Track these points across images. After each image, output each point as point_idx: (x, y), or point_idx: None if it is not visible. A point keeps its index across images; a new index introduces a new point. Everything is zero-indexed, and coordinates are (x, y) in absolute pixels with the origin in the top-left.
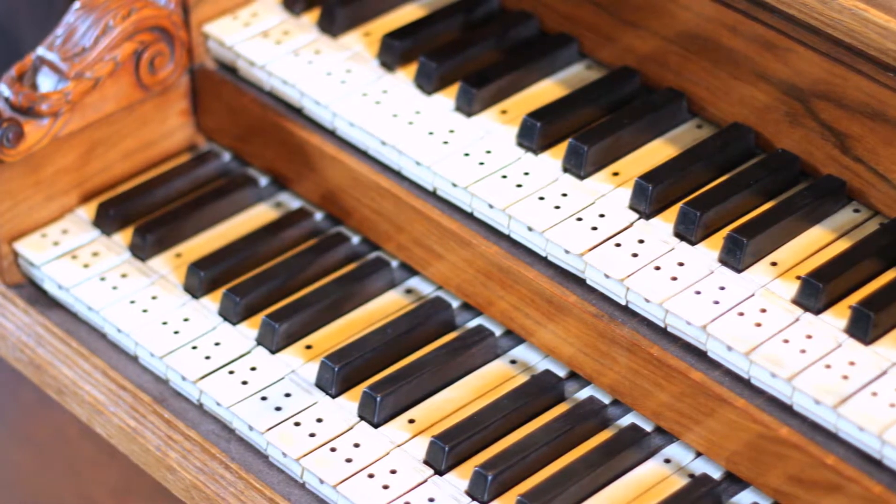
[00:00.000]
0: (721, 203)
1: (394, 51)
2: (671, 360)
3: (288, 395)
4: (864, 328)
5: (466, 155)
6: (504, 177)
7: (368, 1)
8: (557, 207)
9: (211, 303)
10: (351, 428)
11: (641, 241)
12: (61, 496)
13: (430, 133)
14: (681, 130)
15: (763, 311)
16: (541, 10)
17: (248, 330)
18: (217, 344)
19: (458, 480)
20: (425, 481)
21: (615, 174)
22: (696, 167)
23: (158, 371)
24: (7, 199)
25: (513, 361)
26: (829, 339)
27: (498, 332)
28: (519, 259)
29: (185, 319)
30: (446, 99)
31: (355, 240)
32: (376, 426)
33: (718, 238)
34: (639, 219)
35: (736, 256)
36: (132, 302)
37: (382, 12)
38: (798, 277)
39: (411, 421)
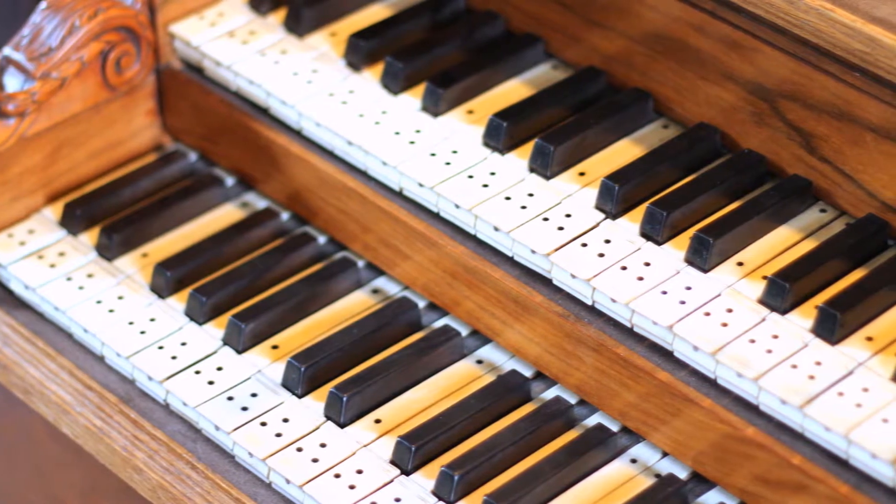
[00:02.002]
0: (687, 203)
1: (360, 51)
2: (637, 360)
3: (254, 395)
4: (830, 328)
5: (433, 155)
6: (470, 177)
7: (334, 1)
8: (524, 207)
9: (177, 303)
10: (317, 428)
11: (608, 241)
12: (27, 496)
13: (397, 133)
14: (647, 130)
15: (729, 311)
16: (507, 10)
17: (215, 330)
18: (183, 344)
19: (424, 480)
20: (392, 481)
21: (581, 174)
22: (662, 167)
23: (125, 371)
24: None
25: (479, 361)
26: (795, 339)
27: (464, 332)
28: (485, 259)
29: (152, 319)
30: (413, 99)
31: (321, 240)
32: (343, 426)
33: (685, 238)
34: (605, 219)
35: (702, 256)
36: (98, 302)
37: (348, 12)
38: (764, 277)
39: (378, 421)
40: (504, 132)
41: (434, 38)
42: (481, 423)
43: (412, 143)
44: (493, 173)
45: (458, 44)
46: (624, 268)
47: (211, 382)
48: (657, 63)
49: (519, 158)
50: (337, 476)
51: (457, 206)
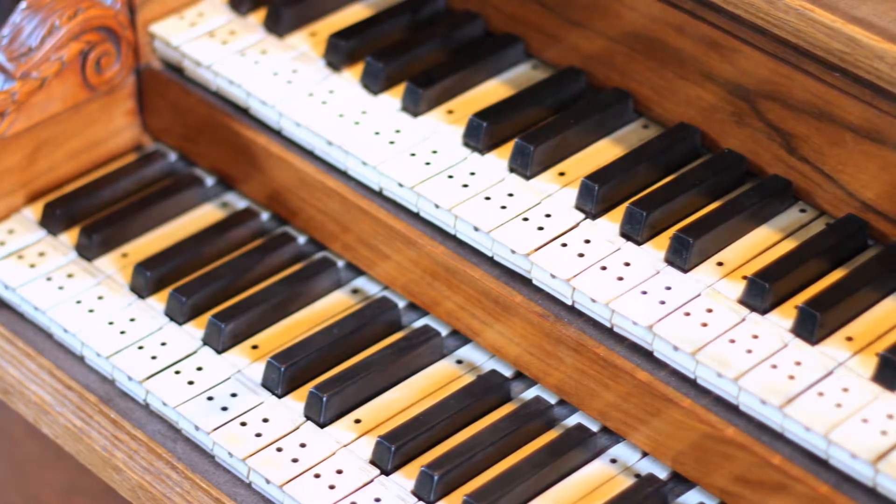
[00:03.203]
0: (667, 203)
1: (340, 51)
2: (617, 360)
3: (234, 395)
4: (810, 328)
5: (413, 155)
6: (450, 177)
7: (314, 1)
8: (503, 207)
9: (157, 303)
10: (297, 428)
11: (587, 241)
12: (7, 496)
13: (377, 133)
14: (627, 130)
15: (709, 311)
16: (487, 10)
17: (195, 330)
18: (163, 344)
19: (404, 480)
20: (371, 481)
21: (561, 174)
22: (642, 167)
23: (105, 371)
24: None
25: (459, 361)
26: (775, 339)
27: (444, 332)
28: (465, 259)
29: (132, 319)
30: (392, 99)
31: (301, 240)
32: (322, 426)
33: (664, 238)
34: (585, 219)
35: (682, 256)
36: (78, 302)
37: (328, 12)
38: (744, 277)
39: (357, 421)
40: (484, 132)
41: (414, 39)
42: (461, 423)
43: (392, 143)
44: (472, 173)
45: (438, 44)
46: (604, 268)
47: (191, 382)
48: (637, 63)
49: (499, 158)
50: (317, 476)
51: (437, 206)
